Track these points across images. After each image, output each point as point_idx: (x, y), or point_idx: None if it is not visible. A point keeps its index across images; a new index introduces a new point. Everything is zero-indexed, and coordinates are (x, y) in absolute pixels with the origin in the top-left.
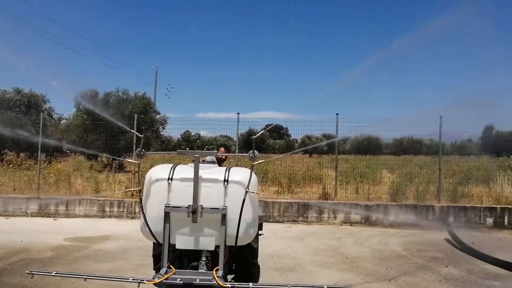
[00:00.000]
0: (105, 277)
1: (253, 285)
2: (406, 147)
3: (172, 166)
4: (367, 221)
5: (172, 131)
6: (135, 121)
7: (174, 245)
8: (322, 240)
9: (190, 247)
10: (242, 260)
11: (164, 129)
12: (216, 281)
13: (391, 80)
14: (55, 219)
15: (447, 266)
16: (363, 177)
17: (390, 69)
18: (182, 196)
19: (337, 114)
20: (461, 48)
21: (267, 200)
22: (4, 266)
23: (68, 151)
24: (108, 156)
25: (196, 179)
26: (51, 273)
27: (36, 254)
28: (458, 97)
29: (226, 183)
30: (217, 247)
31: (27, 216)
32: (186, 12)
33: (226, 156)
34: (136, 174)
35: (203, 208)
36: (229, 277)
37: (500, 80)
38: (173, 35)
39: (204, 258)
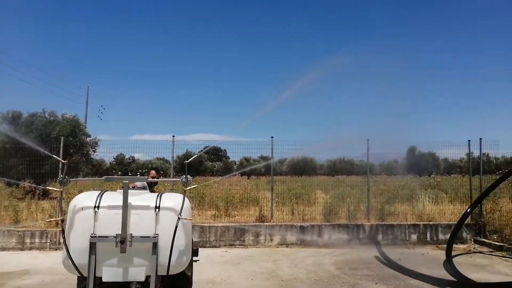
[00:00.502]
0: None
1: None
2: (339, 168)
3: (99, 193)
4: (302, 242)
5: (105, 155)
6: (61, 144)
7: (101, 277)
8: (258, 263)
9: (119, 279)
10: None
11: (95, 152)
12: None
13: (323, 103)
14: None
15: (376, 283)
16: (298, 198)
17: (320, 93)
18: (110, 225)
19: (272, 137)
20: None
21: (203, 224)
22: None
23: None
24: (30, 182)
25: (125, 207)
26: None
27: None
28: (383, 121)
29: (157, 209)
30: (148, 277)
31: None
32: (120, 31)
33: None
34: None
35: (133, 236)
36: None
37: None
38: (108, 55)
39: None
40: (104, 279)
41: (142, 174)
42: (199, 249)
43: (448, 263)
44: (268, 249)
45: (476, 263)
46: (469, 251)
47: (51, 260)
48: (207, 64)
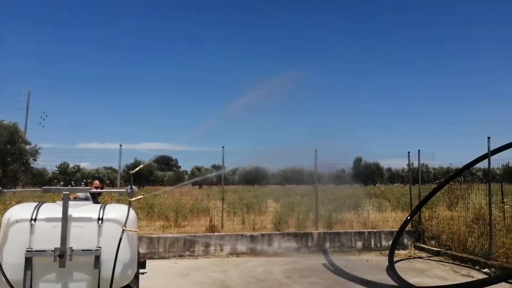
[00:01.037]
0: None
1: None
2: (290, 177)
3: (37, 205)
4: (253, 251)
5: (47, 163)
6: None
7: None
8: (208, 274)
9: None
10: None
11: (35, 160)
12: None
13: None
14: None
15: None
16: (249, 207)
17: (268, 106)
18: (48, 239)
19: (223, 146)
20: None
21: (152, 236)
22: None
23: None
24: None
25: (65, 218)
26: None
27: None
28: (329, 133)
29: (100, 221)
30: None
31: None
32: (65, 38)
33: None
34: None
35: (73, 250)
36: None
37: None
38: (50, 61)
39: None
40: None
41: (86, 184)
42: (147, 261)
43: (391, 269)
44: (219, 259)
45: (416, 268)
46: (410, 256)
47: None
48: (160, 69)
